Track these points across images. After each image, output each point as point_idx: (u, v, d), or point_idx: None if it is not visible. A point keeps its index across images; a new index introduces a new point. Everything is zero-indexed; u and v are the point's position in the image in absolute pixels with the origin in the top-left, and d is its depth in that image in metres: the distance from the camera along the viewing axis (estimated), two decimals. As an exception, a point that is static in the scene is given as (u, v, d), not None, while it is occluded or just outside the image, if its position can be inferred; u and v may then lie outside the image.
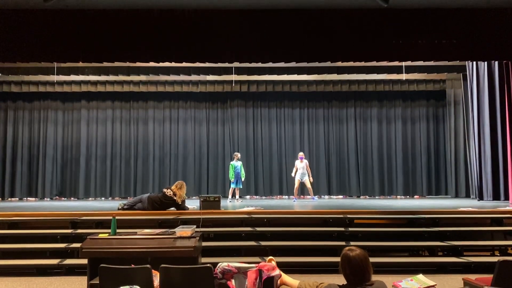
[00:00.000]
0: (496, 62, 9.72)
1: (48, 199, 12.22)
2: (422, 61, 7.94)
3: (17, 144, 12.57)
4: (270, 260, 3.69)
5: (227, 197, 11.01)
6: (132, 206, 7.87)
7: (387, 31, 6.75)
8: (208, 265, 3.45)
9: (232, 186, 10.72)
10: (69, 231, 6.78)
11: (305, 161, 10.98)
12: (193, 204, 8.52)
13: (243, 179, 10.85)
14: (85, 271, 4.47)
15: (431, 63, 10.01)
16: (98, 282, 3.61)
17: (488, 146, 9.99)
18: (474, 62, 10.25)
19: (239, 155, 11.04)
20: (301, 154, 11.13)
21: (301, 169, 10.86)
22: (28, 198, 12.36)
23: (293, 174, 11.14)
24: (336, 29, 6.72)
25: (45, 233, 6.82)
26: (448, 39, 6.81)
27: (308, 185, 10.92)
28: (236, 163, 10.71)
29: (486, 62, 9.92)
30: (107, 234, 4.62)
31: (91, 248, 4.37)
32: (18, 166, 12.44)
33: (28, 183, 12.48)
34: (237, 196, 10.79)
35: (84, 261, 4.52)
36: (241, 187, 10.85)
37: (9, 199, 12.26)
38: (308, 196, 11.57)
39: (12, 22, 6.59)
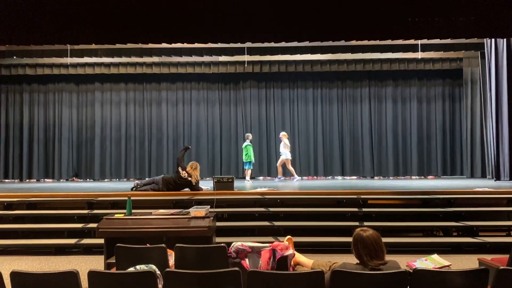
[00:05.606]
0: (516, 39, 9.45)
1: (64, 180, 12.43)
2: (438, 39, 7.76)
3: (33, 126, 12.75)
4: (289, 240, 3.71)
5: (240, 178, 11.05)
6: (146, 187, 7.95)
7: (403, 8, 6.58)
8: (222, 244, 3.48)
9: (249, 167, 10.80)
10: (86, 211, 6.90)
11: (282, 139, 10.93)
12: (207, 185, 8.58)
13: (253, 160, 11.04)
14: (102, 250, 4.57)
15: (448, 41, 9.79)
16: (114, 261, 3.68)
17: (506, 125, 9.77)
18: (493, 40, 9.95)
19: (251, 136, 11.09)
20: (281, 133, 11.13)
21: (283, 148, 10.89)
22: (45, 180, 12.60)
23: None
24: (351, 6, 6.57)
25: (62, 214, 6.97)
26: (466, 15, 6.61)
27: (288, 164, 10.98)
28: (250, 144, 10.76)
29: (505, 39, 9.64)
30: (123, 215, 4.70)
31: (107, 228, 4.46)
32: (35, 148, 12.65)
33: (45, 164, 12.70)
34: (248, 177, 10.85)
35: (101, 240, 4.61)
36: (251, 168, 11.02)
37: (27, 180, 12.53)
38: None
39: (24, 5, 6.59)
